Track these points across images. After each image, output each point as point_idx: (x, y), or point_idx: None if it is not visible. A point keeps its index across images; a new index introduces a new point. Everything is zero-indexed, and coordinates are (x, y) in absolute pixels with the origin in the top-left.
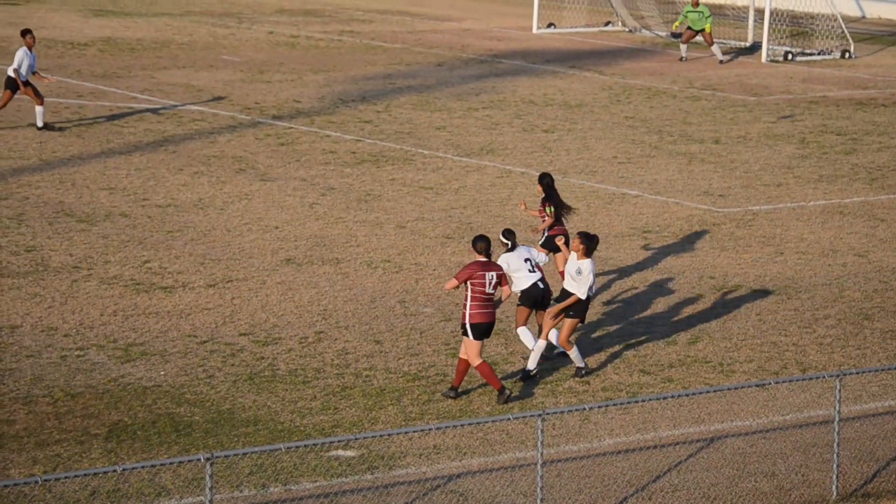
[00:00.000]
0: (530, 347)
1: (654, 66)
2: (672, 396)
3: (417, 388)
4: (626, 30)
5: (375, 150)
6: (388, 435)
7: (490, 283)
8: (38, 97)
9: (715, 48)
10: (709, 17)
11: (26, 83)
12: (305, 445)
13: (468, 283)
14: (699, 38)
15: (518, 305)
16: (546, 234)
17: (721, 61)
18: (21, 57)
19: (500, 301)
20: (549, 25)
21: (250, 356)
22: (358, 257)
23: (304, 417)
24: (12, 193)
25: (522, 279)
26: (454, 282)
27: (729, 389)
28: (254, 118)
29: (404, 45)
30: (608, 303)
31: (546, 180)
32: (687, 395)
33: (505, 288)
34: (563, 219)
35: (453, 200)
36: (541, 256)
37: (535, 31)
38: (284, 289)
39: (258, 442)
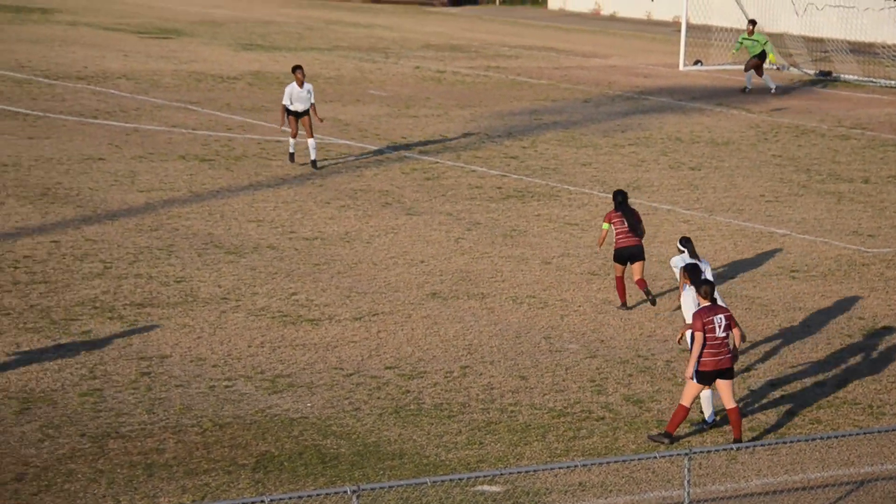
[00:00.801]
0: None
1: (802, 104)
2: (821, 438)
3: (562, 424)
4: (774, 67)
5: (521, 186)
6: (534, 471)
7: (720, 327)
8: (309, 131)
9: (766, 77)
10: (765, 43)
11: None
12: (451, 480)
13: (696, 333)
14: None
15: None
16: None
17: (772, 90)
18: (288, 91)
19: (736, 351)
20: (696, 63)
21: (396, 389)
22: (503, 292)
23: (450, 452)
24: (163, 225)
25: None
26: (700, 336)
27: (879, 432)
28: (400, 153)
29: (550, 82)
30: (755, 343)
31: (619, 198)
32: (836, 437)
33: (736, 331)
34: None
35: (598, 237)
36: (709, 271)
37: (681, 67)
38: (430, 323)
39: (403, 475)
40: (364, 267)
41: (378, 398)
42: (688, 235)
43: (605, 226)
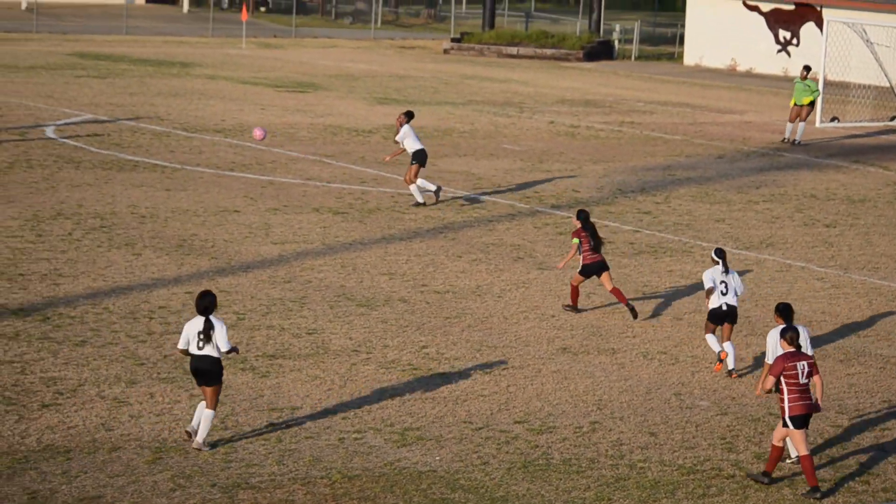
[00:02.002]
0: (715, 350)
1: None
2: None
3: (692, 481)
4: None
5: (654, 242)
6: None
7: (803, 373)
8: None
9: (800, 126)
10: (815, 91)
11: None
12: None
13: (781, 376)
14: None
15: (707, 321)
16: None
17: (796, 142)
18: (406, 132)
19: (817, 400)
20: (833, 119)
21: (525, 444)
22: (634, 348)
23: None
24: (296, 277)
25: (713, 299)
26: (771, 379)
27: None
28: (532, 207)
29: (685, 137)
30: (888, 403)
31: (582, 216)
32: None
33: (816, 379)
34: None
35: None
36: (740, 285)
37: (818, 124)
38: (560, 377)
39: None
40: (495, 321)
41: (507, 452)
42: (724, 249)
43: (575, 241)
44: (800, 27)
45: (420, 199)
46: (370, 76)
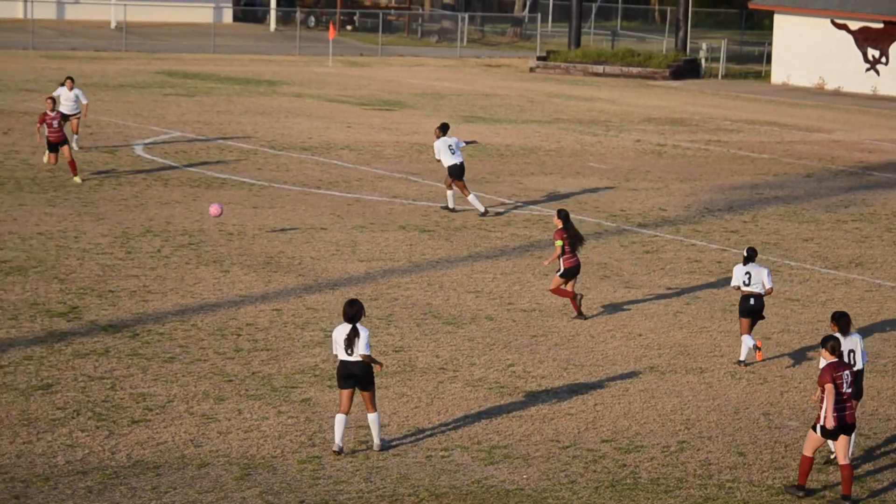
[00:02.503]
0: (749, 345)
1: None
2: None
3: (781, 502)
4: None
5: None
6: None
7: (847, 382)
8: (466, 189)
9: None
10: None
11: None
12: None
13: (826, 385)
14: None
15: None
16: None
17: None
18: (439, 146)
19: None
20: None
21: (612, 463)
22: (722, 367)
23: None
24: (382, 294)
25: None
26: (830, 387)
27: None
28: (619, 225)
29: (772, 156)
30: None
31: (563, 214)
32: None
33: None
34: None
35: (820, 313)
36: (768, 279)
37: None
38: (647, 397)
39: None
40: (582, 339)
41: (594, 471)
42: (755, 248)
43: (559, 243)
44: (889, 45)
45: (481, 209)
46: (456, 94)
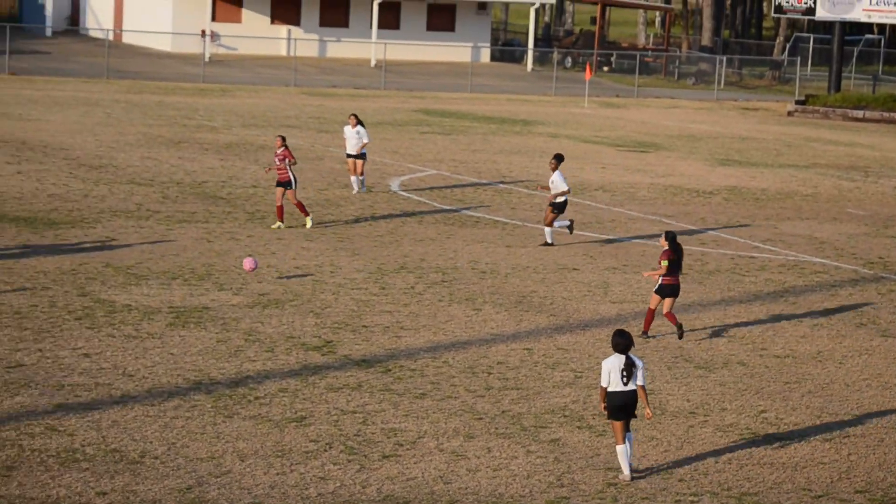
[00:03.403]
0: None
1: None
2: None
3: None
4: None
5: None
6: None
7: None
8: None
9: None
10: None
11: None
12: None
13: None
14: None
15: None
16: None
17: None
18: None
19: None
20: None
21: None
22: None
23: None
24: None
25: None
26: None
27: None
28: (877, 273)
29: None
30: None
31: (670, 236)
32: None
33: None
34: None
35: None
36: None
37: None
38: None
39: None
40: (836, 388)
41: None
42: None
43: (665, 263)
44: None
45: (549, 241)
46: (712, 137)
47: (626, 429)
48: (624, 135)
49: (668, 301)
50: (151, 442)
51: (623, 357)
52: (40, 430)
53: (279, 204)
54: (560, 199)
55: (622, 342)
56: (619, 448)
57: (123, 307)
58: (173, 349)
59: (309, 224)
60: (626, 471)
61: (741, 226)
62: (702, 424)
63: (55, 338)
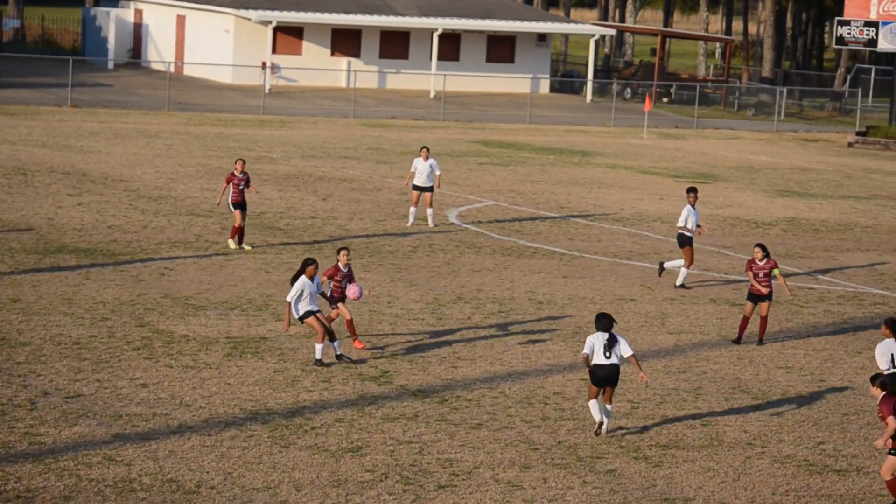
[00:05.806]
0: None
1: None
2: None
3: None
4: None
5: None
6: None
7: None
8: (690, 259)
9: None
10: None
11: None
12: None
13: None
14: None
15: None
16: None
17: None
18: (686, 214)
19: None
20: None
21: None
22: None
23: None
24: (690, 367)
25: None
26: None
27: None
28: None
29: None
30: None
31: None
32: None
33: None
34: None
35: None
36: None
37: None
38: None
39: None
40: None
41: None
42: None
43: (776, 271)
44: None
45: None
46: (771, 168)
47: (609, 401)
48: (682, 166)
49: (763, 306)
50: (208, 472)
51: (605, 334)
52: (98, 459)
53: (242, 225)
54: (691, 235)
55: (602, 323)
56: (591, 402)
57: (181, 337)
58: (230, 379)
59: (233, 246)
60: (597, 417)
61: (800, 257)
62: (759, 455)
63: (113, 368)
